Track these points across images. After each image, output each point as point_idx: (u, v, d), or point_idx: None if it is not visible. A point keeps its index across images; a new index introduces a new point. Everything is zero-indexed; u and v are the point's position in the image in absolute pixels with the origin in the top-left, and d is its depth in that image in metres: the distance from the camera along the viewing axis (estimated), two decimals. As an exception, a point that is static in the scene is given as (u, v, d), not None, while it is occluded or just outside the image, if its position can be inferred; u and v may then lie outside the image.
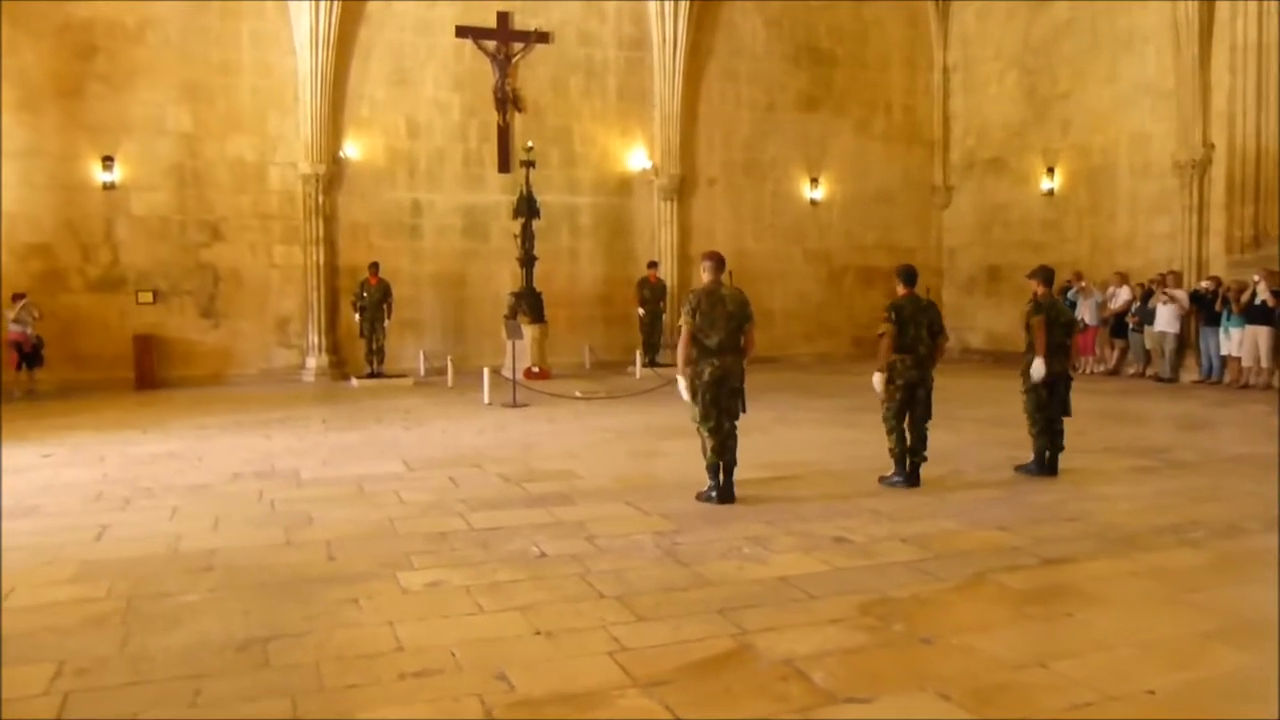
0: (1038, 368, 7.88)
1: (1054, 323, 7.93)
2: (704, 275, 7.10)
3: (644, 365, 16.56)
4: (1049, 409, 7.94)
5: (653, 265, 17.72)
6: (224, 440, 10.23)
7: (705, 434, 7.05)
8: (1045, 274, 8.11)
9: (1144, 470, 8.29)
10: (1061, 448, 7.98)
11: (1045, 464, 7.94)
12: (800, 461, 8.63)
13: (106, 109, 15.37)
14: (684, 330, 6.99)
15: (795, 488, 7.56)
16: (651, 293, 17.45)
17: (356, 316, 15.85)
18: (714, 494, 7.02)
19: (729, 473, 7.04)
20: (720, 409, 7.02)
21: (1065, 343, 8.02)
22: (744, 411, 7.19)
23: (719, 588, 5.08)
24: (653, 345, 17.36)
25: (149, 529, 6.45)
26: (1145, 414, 11.98)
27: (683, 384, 7.07)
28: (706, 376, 6.97)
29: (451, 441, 10.05)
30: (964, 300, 19.92)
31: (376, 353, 15.82)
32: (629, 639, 4.34)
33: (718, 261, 7.13)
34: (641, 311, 17.41)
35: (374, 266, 15.81)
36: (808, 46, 19.36)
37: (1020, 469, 8.03)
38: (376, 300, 15.70)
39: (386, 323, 15.84)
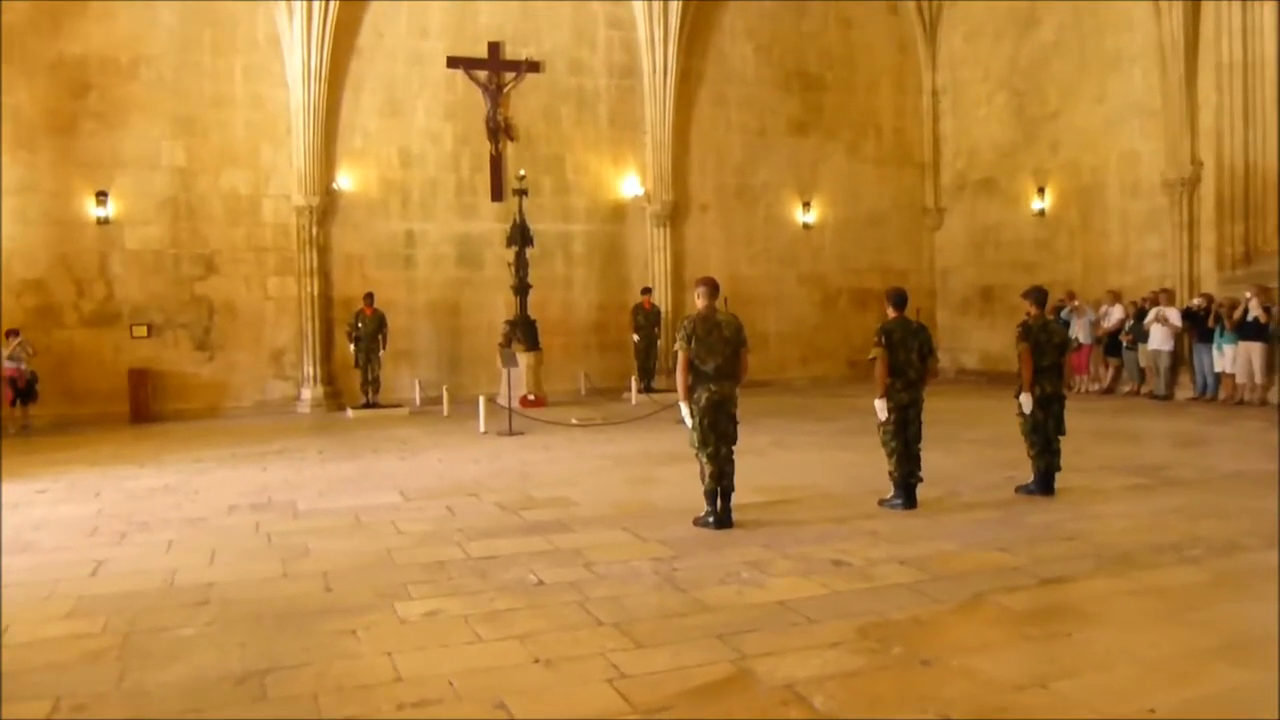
0: (1025, 402, 7.93)
1: (1045, 345, 7.96)
2: (698, 301, 7.15)
3: (640, 391, 16.55)
4: (1044, 429, 7.96)
5: (647, 291, 17.75)
6: (220, 473, 10.21)
7: (703, 459, 7.06)
8: (1038, 295, 8.17)
9: (1141, 488, 8.29)
10: (1058, 467, 8.00)
11: (1047, 484, 7.94)
12: (797, 485, 8.63)
13: (100, 145, 15.42)
14: (680, 357, 7.01)
15: (793, 511, 7.55)
16: (646, 319, 17.47)
17: (352, 347, 15.81)
18: (712, 519, 7.01)
19: (726, 498, 7.04)
20: (718, 434, 7.04)
21: (1059, 363, 8.06)
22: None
23: (718, 613, 5.08)
24: (648, 371, 17.35)
25: (145, 563, 6.43)
26: (1141, 432, 11.99)
27: (685, 411, 7.08)
28: (704, 402, 7.00)
29: (448, 471, 10.04)
30: (958, 321, 19.97)
31: (372, 383, 15.79)
32: (628, 666, 4.33)
33: (712, 287, 7.17)
34: (636, 338, 17.42)
35: (369, 297, 15.82)
36: (797, 72, 19.50)
37: (1021, 489, 8.03)
38: (371, 331, 15.69)
39: (382, 353, 15.80)
